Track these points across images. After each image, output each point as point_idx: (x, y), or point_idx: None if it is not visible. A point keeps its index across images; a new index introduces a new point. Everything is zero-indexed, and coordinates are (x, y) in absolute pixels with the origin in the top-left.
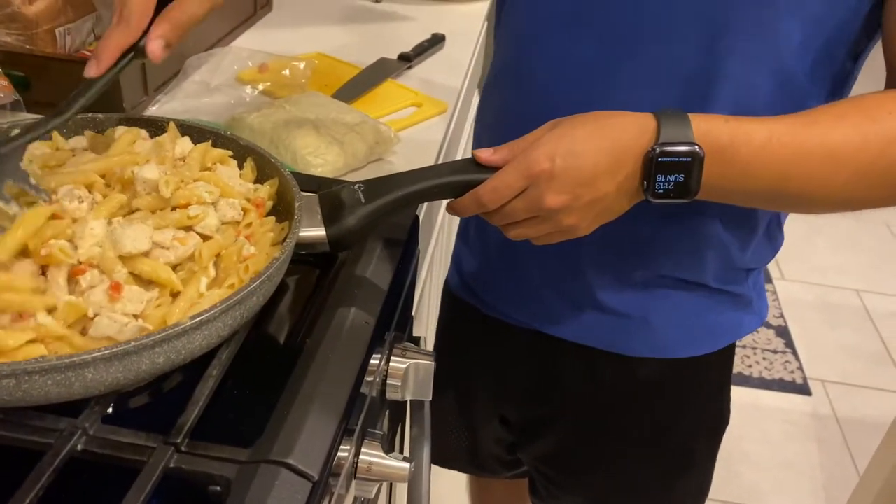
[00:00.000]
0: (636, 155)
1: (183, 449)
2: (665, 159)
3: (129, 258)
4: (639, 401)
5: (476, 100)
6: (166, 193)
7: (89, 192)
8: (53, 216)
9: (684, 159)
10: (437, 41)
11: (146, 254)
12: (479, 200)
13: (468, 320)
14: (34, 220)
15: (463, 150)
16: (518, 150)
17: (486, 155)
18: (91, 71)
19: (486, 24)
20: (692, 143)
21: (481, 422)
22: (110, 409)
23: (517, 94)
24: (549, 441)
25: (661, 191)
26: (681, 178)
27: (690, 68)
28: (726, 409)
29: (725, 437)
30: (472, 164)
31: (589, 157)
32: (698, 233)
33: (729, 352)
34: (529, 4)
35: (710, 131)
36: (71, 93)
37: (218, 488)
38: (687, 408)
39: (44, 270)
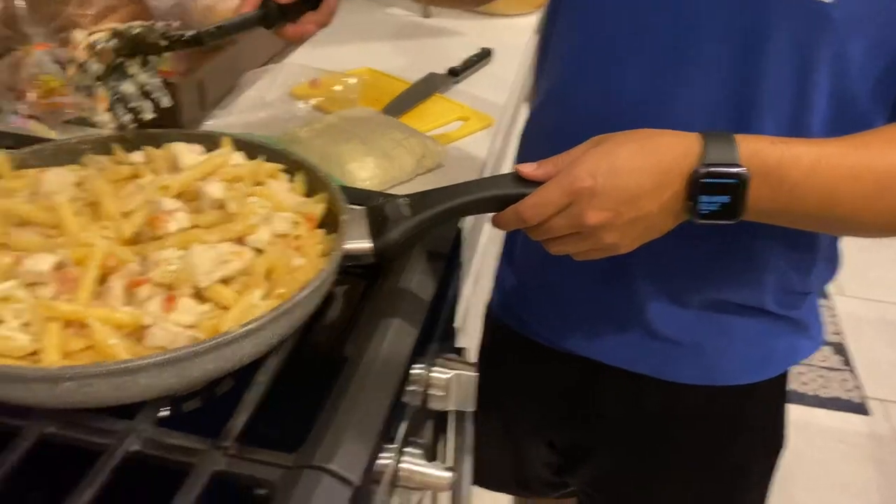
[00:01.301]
0: (681, 175)
1: (231, 452)
2: (710, 180)
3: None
4: (688, 427)
5: (523, 114)
6: (233, 210)
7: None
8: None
9: (730, 181)
10: (484, 55)
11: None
12: (521, 215)
13: (510, 343)
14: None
15: (509, 164)
16: (561, 165)
17: (529, 170)
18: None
19: (533, 38)
20: (738, 165)
21: (527, 445)
22: (163, 413)
23: (565, 117)
24: (595, 466)
25: (706, 212)
26: (726, 199)
27: (743, 91)
28: (782, 431)
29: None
30: (515, 178)
31: (632, 176)
32: (758, 256)
33: (783, 376)
34: (579, 29)
35: (758, 153)
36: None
37: (263, 491)
38: (739, 432)
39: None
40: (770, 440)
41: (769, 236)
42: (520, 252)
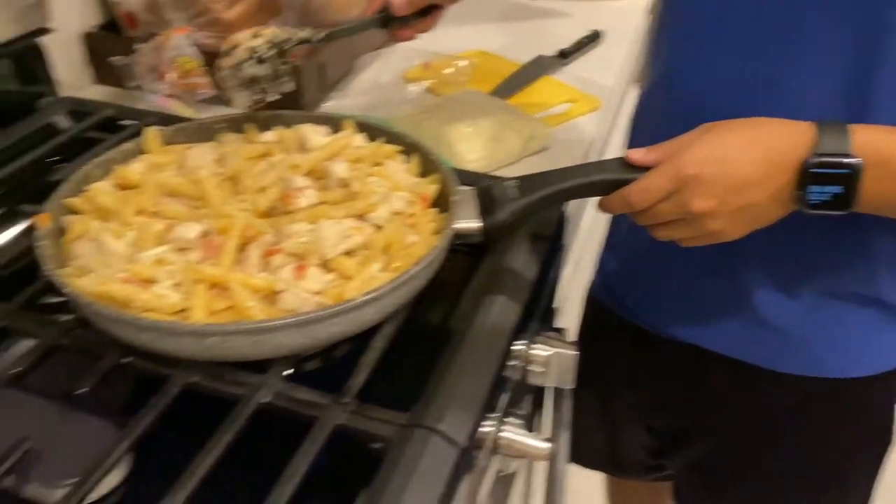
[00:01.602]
0: (791, 165)
1: (351, 409)
2: (822, 171)
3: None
4: (793, 417)
5: (631, 96)
6: (356, 188)
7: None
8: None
9: (843, 171)
10: (594, 37)
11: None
12: (628, 200)
13: (611, 326)
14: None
15: (615, 147)
16: (669, 152)
17: (637, 156)
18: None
19: (644, 20)
20: (852, 155)
21: (624, 427)
22: (291, 370)
23: (673, 102)
24: (696, 451)
25: (816, 202)
26: (839, 189)
27: (858, 80)
28: (891, 427)
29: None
30: (623, 164)
31: (740, 164)
32: (871, 245)
33: (894, 371)
34: (687, 10)
35: (872, 143)
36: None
37: (379, 445)
38: (845, 427)
39: (242, 247)
40: (878, 436)
41: (883, 226)
42: (624, 238)
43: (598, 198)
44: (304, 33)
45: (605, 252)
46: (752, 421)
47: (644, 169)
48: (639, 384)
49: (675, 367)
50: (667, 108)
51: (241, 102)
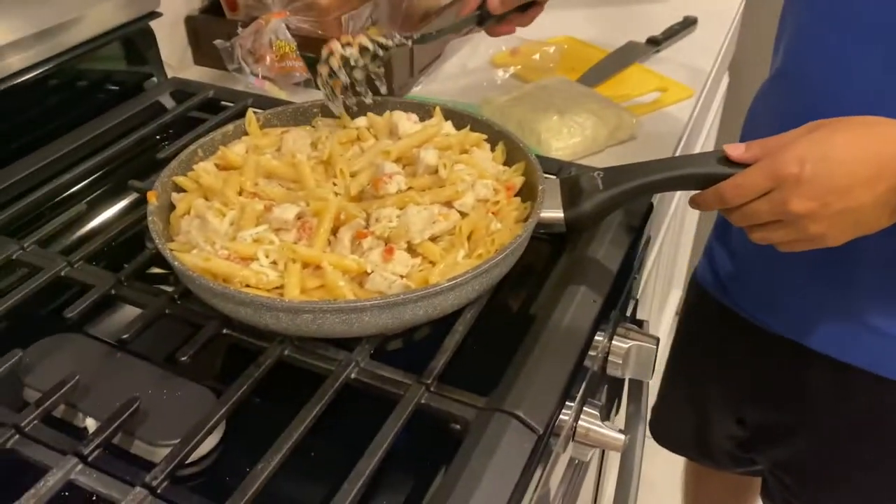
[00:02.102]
0: None
1: (432, 389)
2: None
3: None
4: (893, 425)
5: (724, 84)
6: (444, 176)
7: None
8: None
9: None
10: (688, 24)
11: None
12: (722, 196)
13: (714, 315)
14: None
15: (705, 138)
16: (769, 149)
17: (736, 152)
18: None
19: (741, 6)
20: None
21: (714, 413)
22: (376, 349)
23: (795, 97)
24: (788, 449)
25: None
26: None
27: None
28: None
29: None
30: (716, 158)
31: (845, 165)
32: None
33: None
34: (808, 4)
35: None
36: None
37: (458, 426)
38: None
39: (335, 230)
40: None
41: None
42: (735, 229)
43: (690, 192)
44: (396, 40)
45: (711, 239)
46: (848, 426)
47: (742, 166)
48: (733, 373)
49: (775, 361)
50: (788, 103)
51: (337, 108)
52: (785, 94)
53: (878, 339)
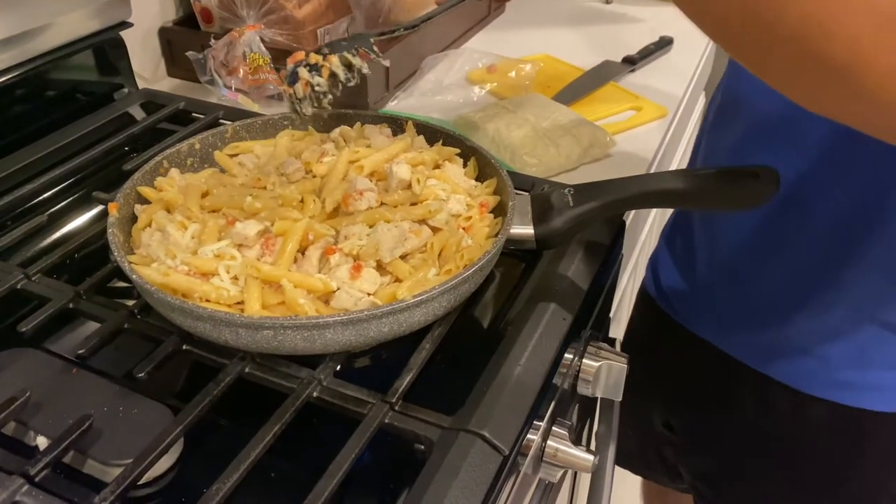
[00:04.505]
0: None
1: (397, 408)
2: None
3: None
4: (815, 440)
5: (700, 104)
6: (418, 191)
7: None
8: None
9: None
10: (664, 44)
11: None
12: None
13: (657, 322)
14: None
15: (680, 157)
16: None
17: None
18: None
19: None
20: None
21: (649, 422)
22: (340, 367)
23: (740, 118)
24: (710, 459)
25: None
26: None
27: None
28: None
29: None
30: (687, 175)
31: None
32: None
33: None
34: None
35: None
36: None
37: (422, 447)
38: (870, 455)
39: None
40: None
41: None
42: (681, 241)
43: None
44: (366, 65)
45: (659, 247)
46: (770, 440)
47: (707, 180)
48: (670, 380)
49: (707, 369)
50: (736, 123)
51: (305, 114)
52: (732, 116)
53: (797, 354)
